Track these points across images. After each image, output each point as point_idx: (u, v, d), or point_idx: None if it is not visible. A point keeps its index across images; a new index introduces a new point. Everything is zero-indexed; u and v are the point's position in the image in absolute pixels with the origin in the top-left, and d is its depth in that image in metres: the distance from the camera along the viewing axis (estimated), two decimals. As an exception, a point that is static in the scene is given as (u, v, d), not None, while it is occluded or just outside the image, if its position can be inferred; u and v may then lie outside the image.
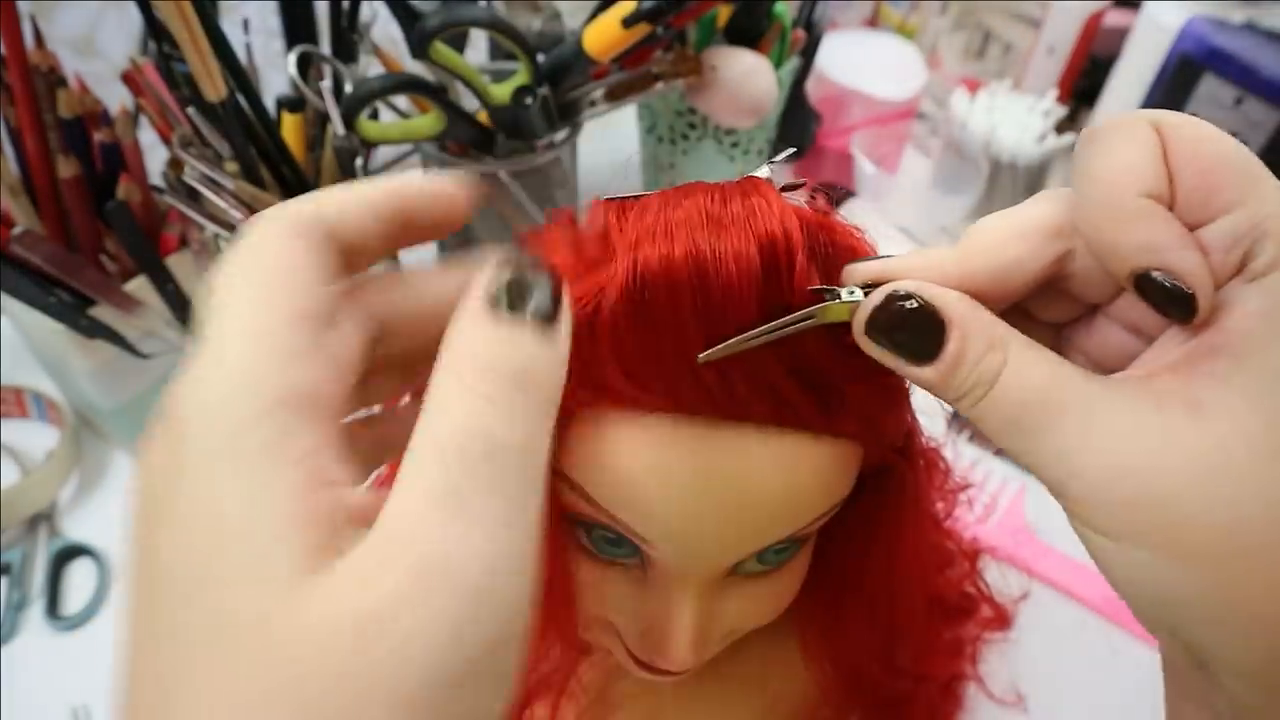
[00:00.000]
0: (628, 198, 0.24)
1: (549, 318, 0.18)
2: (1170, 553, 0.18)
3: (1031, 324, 0.23)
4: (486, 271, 0.19)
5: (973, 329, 0.20)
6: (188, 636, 0.15)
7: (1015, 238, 0.21)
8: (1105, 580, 0.20)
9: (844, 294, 0.22)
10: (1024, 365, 0.20)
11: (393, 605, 0.14)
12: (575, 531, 0.29)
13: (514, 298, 0.18)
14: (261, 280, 0.17)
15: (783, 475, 0.25)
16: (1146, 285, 0.19)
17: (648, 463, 0.25)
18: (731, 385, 0.24)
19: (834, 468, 0.26)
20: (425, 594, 0.15)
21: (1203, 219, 0.19)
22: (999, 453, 0.60)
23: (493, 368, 0.17)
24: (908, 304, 0.20)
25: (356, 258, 0.20)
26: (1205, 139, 0.19)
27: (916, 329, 0.20)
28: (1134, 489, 0.18)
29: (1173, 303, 0.19)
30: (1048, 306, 0.23)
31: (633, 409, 0.25)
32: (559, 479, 0.26)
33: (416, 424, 0.17)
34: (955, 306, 0.20)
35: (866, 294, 0.22)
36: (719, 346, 0.22)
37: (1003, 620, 0.47)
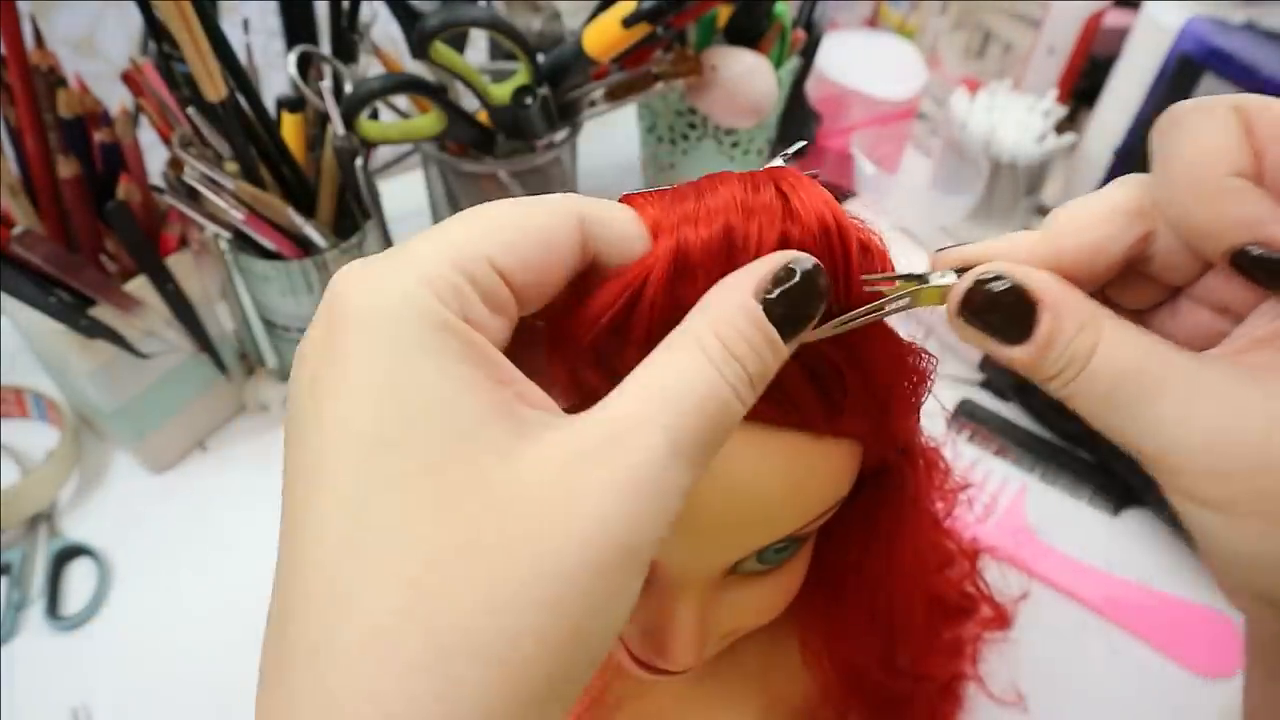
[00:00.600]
0: (654, 191, 0.24)
1: (794, 332, 0.20)
2: (1276, 520, 0.18)
3: (1115, 311, 0.24)
4: (767, 263, 0.20)
5: (1065, 309, 0.20)
6: (392, 485, 0.16)
7: (1100, 220, 0.21)
8: (1203, 562, 0.20)
9: (934, 278, 0.22)
10: (1118, 342, 0.20)
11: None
12: None
13: (787, 305, 0.20)
14: (488, 221, 0.19)
15: (783, 474, 0.25)
16: (1246, 261, 0.19)
17: None
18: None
19: (834, 467, 0.26)
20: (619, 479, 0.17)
21: None
22: (999, 453, 0.60)
23: (747, 349, 0.19)
24: (999, 285, 0.21)
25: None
26: None
27: (1008, 310, 0.21)
28: (1241, 455, 0.18)
29: (1276, 275, 0.19)
30: (1129, 292, 0.23)
31: None
32: None
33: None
34: (1047, 286, 0.20)
35: (959, 277, 0.22)
36: (827, 325, 0.22)
37: (1003, 620, 0.47)
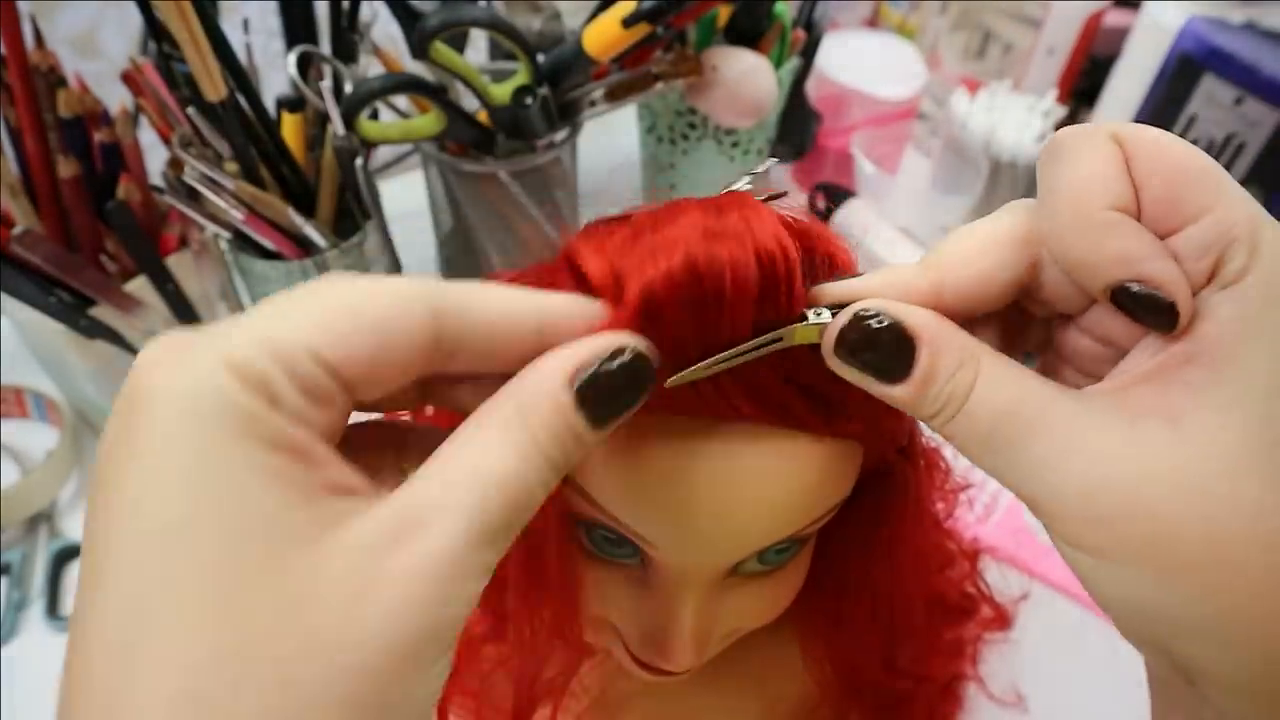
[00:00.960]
0: (615, 219, 0.24)
1: (608, 421, 0.20)
2: (1154, 567, 0.18)
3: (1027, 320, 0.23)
4: (588, 345, 0.20)
5: (943, 345, 0.20)
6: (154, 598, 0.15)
7: (983, 251, 0.21)
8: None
9: (811, 315, 0.22)
10: (996, 380, 0.20)
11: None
12: (576, 531, 0.29)
13: (601, 396, 0.19)
14: (306, 303, 0.18)
15: (783, 475, 0.25)
16: (1124, 298, 0.19)
17: (648, 464, 0.25)
18: (727, 393, 0.24)
19: (835, 468, 0.26)
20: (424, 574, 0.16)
21: (1170, 228, 0.19)
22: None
23: (553, 439, 0.19)
24: (875, 322, 0.20)
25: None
26: (1168, 147, 0.19)
27: (885, 347, 0.20)
28: (1114, 503, 0.18)
29: (1153, 313, 0.19)
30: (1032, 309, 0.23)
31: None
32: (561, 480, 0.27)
33: (457, 434, 0.18)
34: (924, 323, 0.20)
35: (834, 314, 0.22)
36: (685, 372, 0.22)
37: (1003, 620, 0.47)
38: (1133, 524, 0.18)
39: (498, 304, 0.20)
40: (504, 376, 0.20)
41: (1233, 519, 0.17)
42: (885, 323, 0.20)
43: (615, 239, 0.23)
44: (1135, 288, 0.19)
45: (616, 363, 0.20)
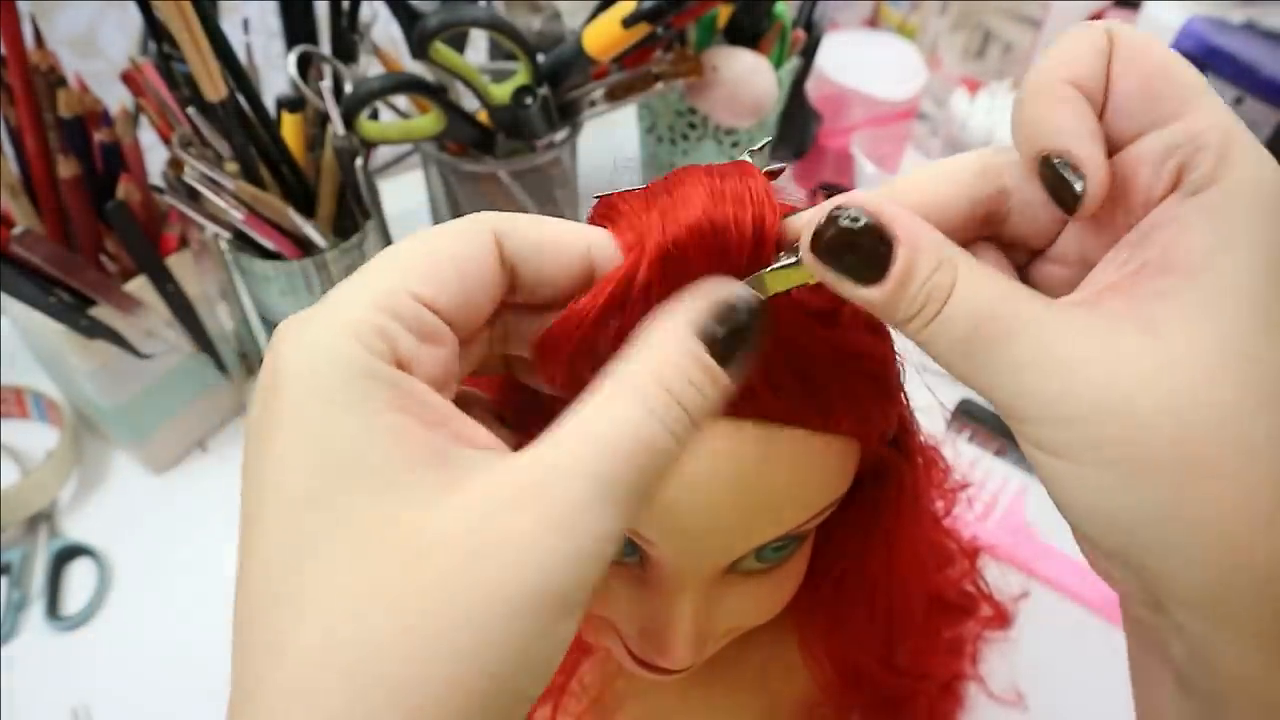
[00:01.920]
0: (628, 190, 0.24)
1: (738, 363, 0.20)
2: (1123, 468, 0.18)
3: None
4: (711, 294, 0.20)
5: (921, 244, 0.20)
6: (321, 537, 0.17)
7: (942, 180, 0.21)
8: (1067, 522, 0.20)
9: (781, 257, 0.22)
10: (974, 282, 0.19)
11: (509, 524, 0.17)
12: None
13: (726, 345, 0.19)
14: (408, 257, 0.19)
15: (782, 472, 0.25)
16: (1045, 169, 0.19)
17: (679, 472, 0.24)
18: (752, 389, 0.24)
19: (832, 464, 0.26)
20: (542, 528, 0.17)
21: (1140, 127, 0.19)
22: (999, 453, 0.60)
23: (686, 388, 0.19)
24: (849, 219, 0.20)
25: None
26: (1150, 48, 0.19)
27: (863, 248, 0.20)
28: (1088, 404, 0.18)
29: (1063, 189, 0.19)
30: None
31: None
32: None
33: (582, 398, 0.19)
34: (902, 220, 0.20)
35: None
36: None
37: (1003, 619, 0.47)
38: (1104, 424, 0.18)
39: (549, 228, 0.21)
40: (561, 305, 0.21)
41: (1205, 420, 0.17)
42: (861, 220, 0.20)
43: (632, 202, 0.23)
44: (1056, 161, 0.19)
45: (742, 309, 0.20)
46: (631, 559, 0.29)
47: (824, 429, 0.26)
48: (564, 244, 0.21)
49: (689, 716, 0.40)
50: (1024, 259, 0.23)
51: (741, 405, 0.24)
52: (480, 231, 0.20)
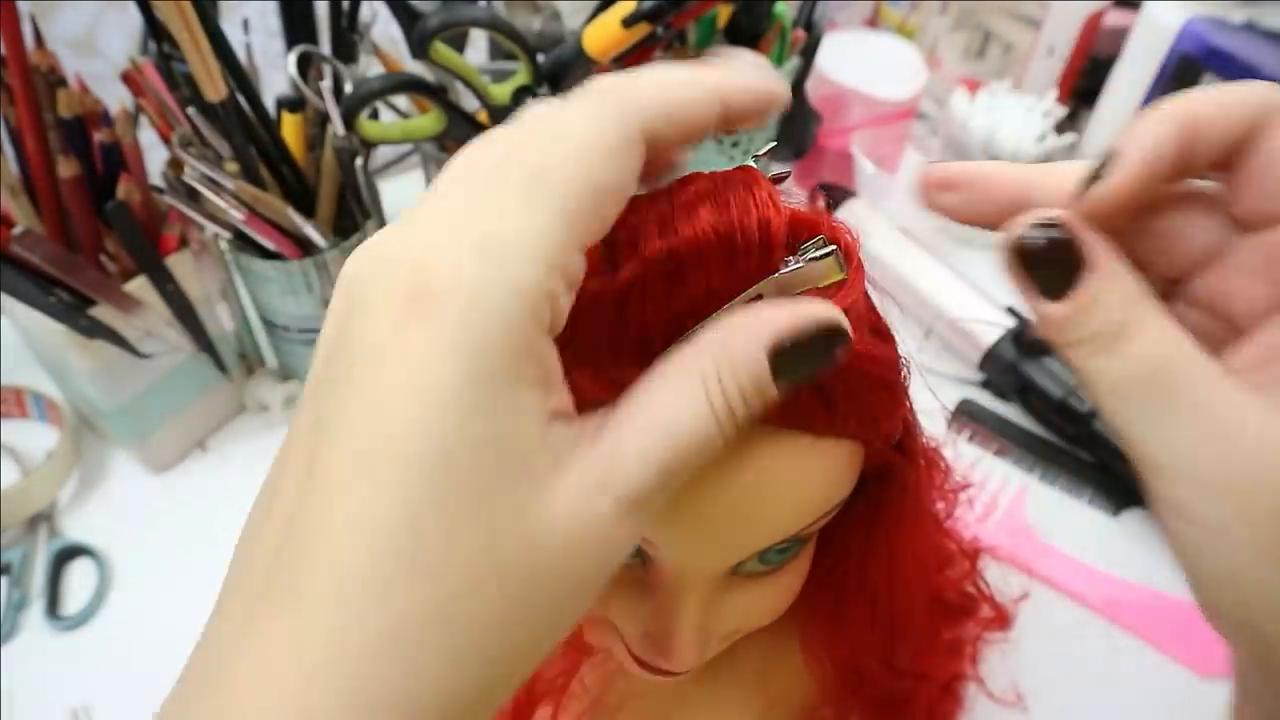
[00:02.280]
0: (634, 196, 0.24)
1: (790, 386, 0.20)
2: (1267, 541, 0.18)
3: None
4: (791, 314, 0.20)
5: (1115, 275, 0.20)
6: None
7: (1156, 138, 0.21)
8: (1180, 579, 0.20)
9: (792, 261, 0.22)
10: (1152, 329, 0.19)
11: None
12: None
13: (789, 369, 0.19)
14: (580, 187, 0.18)
15: (785, 475, 0.25)
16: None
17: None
18: None
19: (836, 467, 0.26)
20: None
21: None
22: (999, 453, 0.60)
23: (741, 402, 0.19)
24: (1051, 234, 0.20)
25: (659, 153, 0.20)
26: None
27: (1060, 263, 0.20)
28: (1248, 476, 0.18)
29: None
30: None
31: None
32: None
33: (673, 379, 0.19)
34: (1102, 250, 0.20)
35: (808, 262, 0.22)
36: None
37: (1003, 620, 0.47)
38: (1260, 497, 0.18)
39: (689, 93, 0.20)
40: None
41: None
42: (1061, 236, 0.20)
43: (636, 210, 0.23)
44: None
45: (821, 340, 0.20)
46: (633, 560, 0.29)
47: (830, 433, 0.26)
48: (705, 106, 0.20)
49: (689, 717, 0.40)
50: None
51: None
52: (634, 147, 0.19)
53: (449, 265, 0.16)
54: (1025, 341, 0.60)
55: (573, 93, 0.19)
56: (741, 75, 0.21)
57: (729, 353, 0.19)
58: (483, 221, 0.17)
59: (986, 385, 0.64)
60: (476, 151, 0.20)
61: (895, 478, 0.31)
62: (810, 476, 0.26)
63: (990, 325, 0.62)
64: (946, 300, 0.65)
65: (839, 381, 0.24)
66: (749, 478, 0.25)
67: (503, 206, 0.17)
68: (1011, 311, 0.63)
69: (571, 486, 0.17)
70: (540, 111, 0.19)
